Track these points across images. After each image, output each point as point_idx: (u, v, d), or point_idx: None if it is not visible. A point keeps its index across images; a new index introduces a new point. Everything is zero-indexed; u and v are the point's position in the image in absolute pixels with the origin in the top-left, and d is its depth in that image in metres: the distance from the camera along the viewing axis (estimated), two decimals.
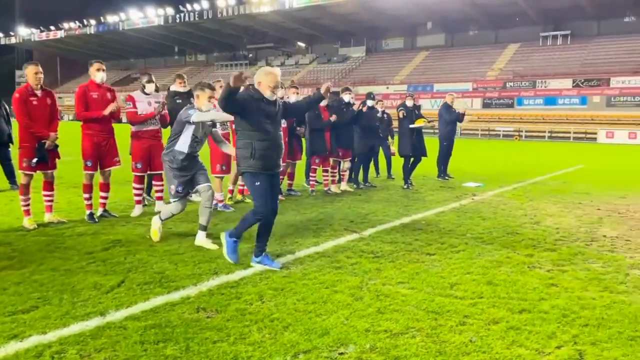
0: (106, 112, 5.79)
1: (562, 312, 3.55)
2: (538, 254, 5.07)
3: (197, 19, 60.72)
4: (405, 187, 9.48)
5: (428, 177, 11.17)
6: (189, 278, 4.09)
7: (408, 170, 9.60)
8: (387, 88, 49.74)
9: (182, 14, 61.52)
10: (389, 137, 11.03)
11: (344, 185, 9.07)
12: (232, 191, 7.59)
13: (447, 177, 11.08)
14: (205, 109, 5.03)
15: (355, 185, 9.35)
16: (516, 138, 37.90)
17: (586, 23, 45.99)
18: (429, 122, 9.70)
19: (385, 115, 10.50)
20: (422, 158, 9.89)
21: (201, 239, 5.04)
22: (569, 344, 3.07)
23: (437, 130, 11.25)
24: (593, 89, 39.80)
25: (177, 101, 7.15)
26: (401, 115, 9.40)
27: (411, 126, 9.33)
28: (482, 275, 4.33)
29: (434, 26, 54.26)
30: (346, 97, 8.69)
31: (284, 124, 7.76)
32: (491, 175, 11.90)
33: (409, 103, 9.65)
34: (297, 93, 8.05)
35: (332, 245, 5.24)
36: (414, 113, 9.54)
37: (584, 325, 3.34)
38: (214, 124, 5.41)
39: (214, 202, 6.85)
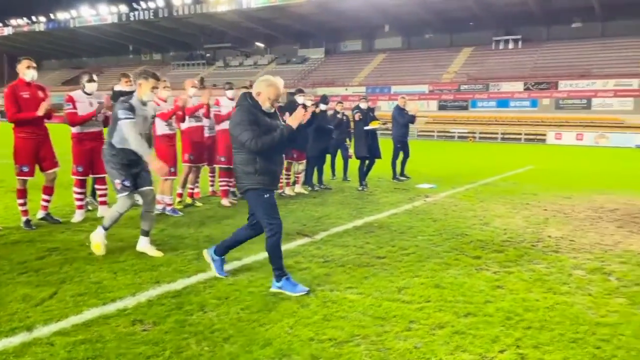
0: (40, 112, 5.45)
1: (506, 314, 3.57)
2: (486, 255, 5.13)
3: (152, 17, 59.35)
4: (360, 189, 9.48)
5: (383, 178, 11.21)
6: (128, 288, 3.89)
7: (363, 172, 9.61)
8: (346, 90, 49.98)
9: (136, 12, 59.99)
10: (347, 139, 11.01)
11: (298, 188, 8.97)
12: (181, 195, 7.36)
13: (403, 179, 11.16)
14: (147, 99, 4.75)
15: (309, 188, 9.27)
16: (470, 140, 38.82)
17: (536, 28, 47.62)
18: (383, 124, 9.75)
19: (344, 117, 10.57)
20: (377, 160, 9.91)
21: (144, 245, 4.82)
22: (511, 347, 3.07)
23: (391, 132, 11.31)
24: (543, 92, 41.24)
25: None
26: (357, 118, 9.41)
27: (365, 128, 9.35)
28: (431, 279, 4.32)
29: (391, 29, 54.99)
30: (300, 99, 8.59)
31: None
32: (445, 177, 12.08)
33: (363, 105, 9.66)
34: None
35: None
36: (368, 115, 9.56)
37: (527, 328, 3.36)
38: (154, 117, 5.14)
39: (162, 206, 6.66)
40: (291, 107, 8.43)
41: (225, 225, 6.21)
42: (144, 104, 4.77)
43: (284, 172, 8.71)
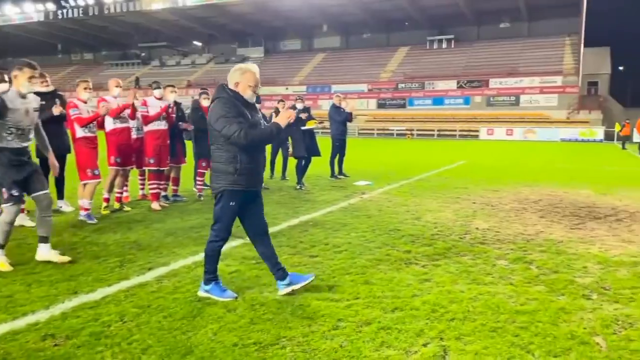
0: None
1: (432, 307, 3.63)
2: (415, 249, 5.22)
3: (81, 15, 56.87)
4: (298, 187, 9.45)
5: (322, 177, 11.24)
6: (41, 300, 3.65)
7: (301, 171, 9.59)
8: (287, 89, 49.95)
9: (64, 10, 57.26)
10: (289, 139, 10.95)
11: None
12: (107, 199, 7.02)
13: (341, 177, 11.23)
14: (25, 90, 4.34)
15: None
16: (408, 137, 39.79)
17: (467, 28, 49.55)
18: (319, 122, 9.79)
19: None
20: (315, 158, 9.98)
21: (45, 253, 4.50)
22: (435, 340, 3.12)
23: (329, 130, 11.35)
24: (474, 89, 42.93)
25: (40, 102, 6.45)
26: (303, 117, 9.47)
27: (302, 128, 9.38)
28: (361, 275, 4.34)
29: (329, 29, 55.45)
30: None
31: (164, 125, 7.37)
32: (382, 174, 12.27)
33: (299, 105, 9.69)
34: (175, 92, 7.65)
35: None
36: (301, 114, 9.59)
37: (450, 320, 3.43)
38: (41, 111, 4.71)
39: (84, 212, 6.31)
40: None
41: (154, 230, 5.98)
42: (23, 96, 4.36)
43: None
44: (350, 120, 11.24)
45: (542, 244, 5.49)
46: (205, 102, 8.12)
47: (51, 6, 58.22)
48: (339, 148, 11.17)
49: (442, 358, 2.91)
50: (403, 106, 45.37)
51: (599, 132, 35.92)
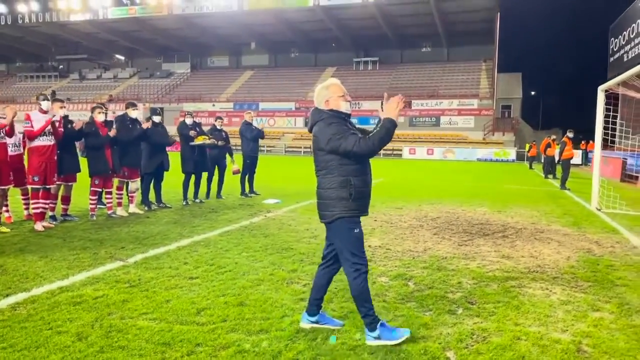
0: None
1: (296, 327, 3.59)
2: (302, 268, 5.19)
3: None
4: (184, 203, 9.56)
5: (232, 195, 11.06)
6: None
7: (187, 187, 9.68)
8: (214, 105, 49.31)
9: None
10: (228, 156, 10.74)
11: (132, 208, 8.45)
12: None
13: (251, 195, 11.11)
14: None
15: (146, 207, 8.79)
16: None
17: (392, 51, 51.42)
18: (209, 139, 9.73)
19: (223, 134, 10.53)
20: (204, 174, 10.16)
21: None
22: None
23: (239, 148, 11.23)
24: None
25: None
26: (192, 134, 9.33)
27: (191, 144, 9.42)
28: (237, 297, 4.23)
29: (257, 46, 55.55)
30: (133, 114, 8.16)
31: (51, 140, 6.96)
32: (295, 192, 12.26)
33: (189, 121, 9.61)
34: (64, 107, 7.25)
35: (85, 276, 4.70)
36: (195, 130, 9.55)
37: (312, 340, 3.39)
38: None
39: None
40: (123, 122, 8.01)
41: (27, 252, 5.56)
42: None
43: (115, 191, 8.19)
44: (262, 137, 11.19)
45: (427, 261, 5.64)
46: (100, 117, 7.77)
47: None
48: (249, 166, 11.06)
49: None
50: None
51: (512, 153, 38.18)
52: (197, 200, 9.91)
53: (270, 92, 50.00)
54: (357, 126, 3.59)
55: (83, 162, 7.89)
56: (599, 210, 9.99)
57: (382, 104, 3.40)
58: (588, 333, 3.63)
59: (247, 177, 11.14)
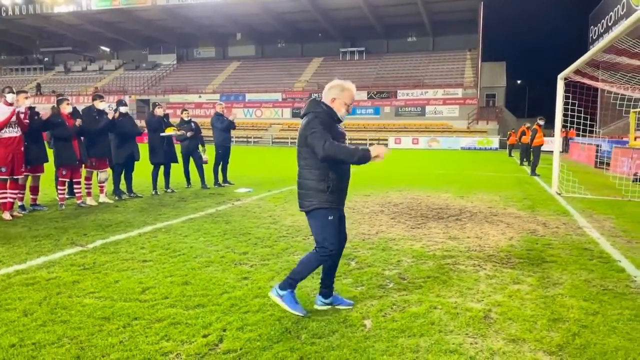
0: None
1: (233, 302, 3.87)
2: (253, 251, 5.47)
3: None
4: (154, 193, 9.82)
5: (206, 184, 11.29)
6: None
7: (156, 177, 9.96)
8: (200, 97, 49.32)
9: None
10: (200, 146, 10.96)
11: (102, 197, 8.67)
12: None
13: (225, 184, 11.35)
14: None
15: (117, 197, 9.01)
16: None
17: (378, 41, 51.54)
18: (178, 130, 9.99)
19: (193, 124, 10.78)
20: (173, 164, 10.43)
21: None
22: (217, 331, 3.34)
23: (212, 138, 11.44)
24: (384, 100, 44.66)
25: None
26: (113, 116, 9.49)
27: (161, 134, 9.62)
28: (183, 277, 4.49)
29: (244, 37, 55.44)
30: (101, 105, 8.36)
31: (17, 131, 7.15)
32: (268, 181, 12.52)
33: (159, 112, 9.83)
34: (27, 97, 7.44)
35: (42, 261, 4.95)
36: (163, 122, 9.82)
37: (245, 313, 3.67)
38: None
39: None
40: (89, 113, 8.20)
41: None
42: None
43: (83, 181, 8.40)
44: (234, 128, 11.42)
45: (375, 242, 5.95)
46: (67, 109, 7.95)
47: None
48: (221, 156, 11.30)
49: (216, 345, 3.15)
50: None
51: (495, 141, 38.60)
52: (169, 190, 10.15)
53: (257, 83, 50.01)
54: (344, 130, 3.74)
55: (51, 153, 8.10)
56: (559, 194, 10.35)
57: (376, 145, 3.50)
58: (500, 303, 3.94)
59: (220, 167, 11.38)
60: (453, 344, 3.21)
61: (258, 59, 55.57)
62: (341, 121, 3.65)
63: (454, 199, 9.76)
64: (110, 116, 8.38)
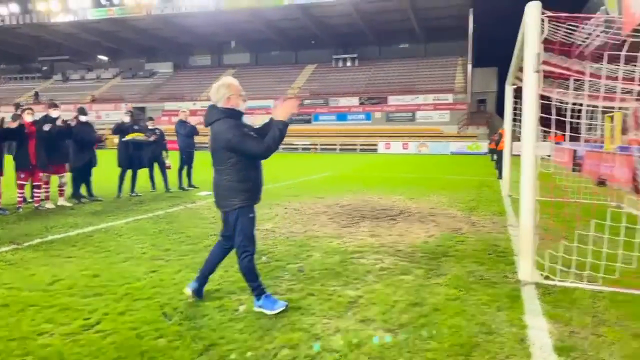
0: None
1: (128, 291, 4.22)
2: (176, 247, 5.82)
3: None
4: (117, 196, 10.19)
5: (171, 188, 11.64)
6: None
7: (122, 181, 10.35)
8: (194, 104, 49.75)
9: None
10: (164, 151, 11.38)
11: (61, 201, 9.06)
12: None
13: (189, 188, 11.73)
14: None
15: (76, 201, 9.39)
16: (312, 151, 40.96)
17: (370, 48, 52.08)
18: (143, 135, 10.37)
19: (157, 131, 11.16)
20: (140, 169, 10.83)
21: None
22: (96, 314, 3.70)
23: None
24: (375, 106, 45.08)
25: None
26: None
27: (124, 139, 10.04)
28: (96, 271, 4.84)
29: (238, 45, 56.08)
30: (54, 113, 8.77)
31: None
32: None
33: (127, 119, 10.23)
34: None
35: None
36: (131, 127, 10.17)
37: (135, 300, 4.03)
38: None
39: None
40: (44, 121, 8.61)
41: None
42: None
43: (43, 185, 8.79)
44: (197, 134, 11.82)
45: (297, 240, 6.29)
46: (28, 118, 8.38)
47: None
48: (186, 160, 11.71)
49: (91, 327, 3.50)
50: (308, 121, 46.62)
51: (484, 146, 38.83)
52: (134, 194, 10.50)
53: (252, 90, 50.42)
54: (253, 125, 3.91)
55: (9, 159, 8.51)
56: (510, 196, 10.68)
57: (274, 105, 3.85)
58: (375, 290, 4.27)
59: (185, 171, 11.77)
60: (306, 324, 3.56)
61: (253, 66, 56.17)
62: (243, 115, 3.82)
63: (403, 200, 10.09)
64: (59, 122, 8.69)
